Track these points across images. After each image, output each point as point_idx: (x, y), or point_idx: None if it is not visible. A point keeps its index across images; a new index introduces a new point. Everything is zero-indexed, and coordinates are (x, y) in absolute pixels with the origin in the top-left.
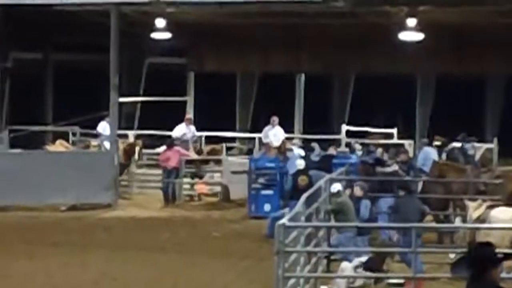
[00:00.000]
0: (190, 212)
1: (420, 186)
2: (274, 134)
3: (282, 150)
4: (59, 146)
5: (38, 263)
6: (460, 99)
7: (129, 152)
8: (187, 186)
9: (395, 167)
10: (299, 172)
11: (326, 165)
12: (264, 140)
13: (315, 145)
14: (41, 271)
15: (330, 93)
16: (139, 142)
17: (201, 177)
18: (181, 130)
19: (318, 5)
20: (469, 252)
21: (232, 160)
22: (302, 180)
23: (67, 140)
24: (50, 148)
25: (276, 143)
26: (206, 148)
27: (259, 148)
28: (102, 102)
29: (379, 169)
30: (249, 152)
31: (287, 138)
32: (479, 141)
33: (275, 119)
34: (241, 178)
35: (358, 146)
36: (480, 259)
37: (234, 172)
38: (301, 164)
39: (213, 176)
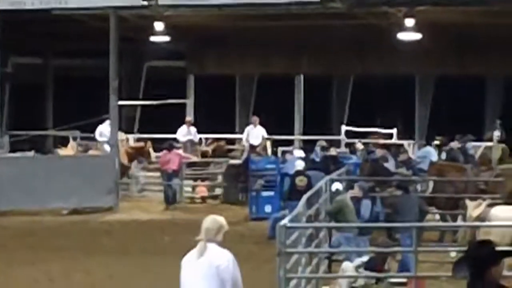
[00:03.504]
0: (191, 215)
1: (422, 186)
2: (256, 135)
3: (261, 149)
4: (71, 149)
5: (40, 268)
6: (459, 99)
7: (133, 154)
8: (189, 189)
9: (401, 168)
10: (298, 173)
11: (326, 166)
12: (244, 140)
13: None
14: (44, 276)
15: (329, 94)
16: (150, 143)
17: (202, 180)
18: (184, 133)
19: (315, 6)
20: (468, 251)
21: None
22: (300, 180)
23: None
24: (61, 151)
25: (256, 142)
26: (210, 146)
27: None
28: (102, 106)
29: (386, 165)
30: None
31: (286, 140)
32: (478, 140)
33: (255, 119)
34: None
35: (360, 146)
36: (479, 257)
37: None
38: (300, 164)
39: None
